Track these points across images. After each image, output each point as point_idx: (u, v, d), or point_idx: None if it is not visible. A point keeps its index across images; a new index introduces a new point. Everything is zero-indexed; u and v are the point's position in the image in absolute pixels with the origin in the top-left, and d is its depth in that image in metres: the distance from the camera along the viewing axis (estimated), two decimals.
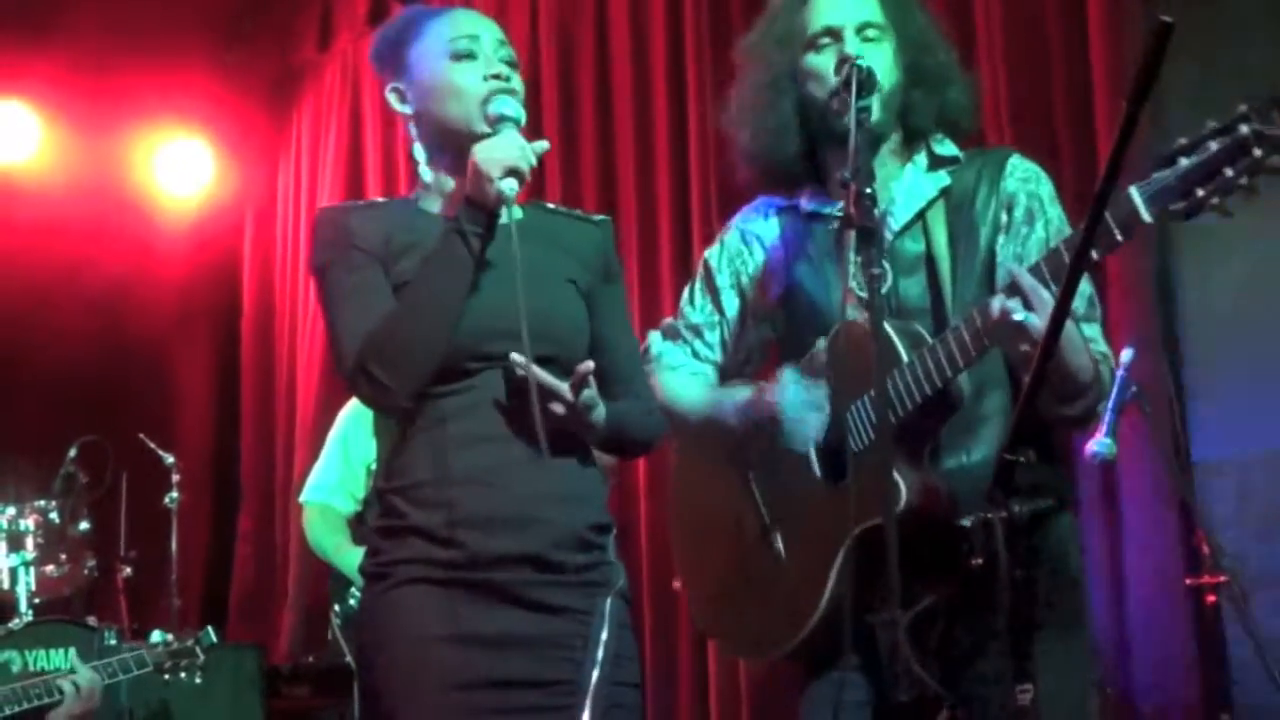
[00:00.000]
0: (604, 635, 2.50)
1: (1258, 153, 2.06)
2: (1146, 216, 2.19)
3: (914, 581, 2.47)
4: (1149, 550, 4.30)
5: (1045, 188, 2.70)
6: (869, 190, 2.34)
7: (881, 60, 2.68)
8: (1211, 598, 3.99)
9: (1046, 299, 2.30)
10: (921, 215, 2.71)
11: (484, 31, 2.65)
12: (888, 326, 2.53)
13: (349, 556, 4.74)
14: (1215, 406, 4.38)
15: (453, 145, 2.60)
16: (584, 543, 2.54)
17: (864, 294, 2.38)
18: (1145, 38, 1.72)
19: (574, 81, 6.19)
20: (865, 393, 2.56)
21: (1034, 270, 2.37)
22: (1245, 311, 4.32)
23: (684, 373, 2.95)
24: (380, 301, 2.51)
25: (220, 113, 7.80)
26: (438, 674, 2.43)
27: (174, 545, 5.99)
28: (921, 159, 2.76)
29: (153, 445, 5.92)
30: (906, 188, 2.73)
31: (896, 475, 2.47)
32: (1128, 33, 4.40)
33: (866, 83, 2.55)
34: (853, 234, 2.34)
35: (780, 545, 2.74)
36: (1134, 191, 2.20)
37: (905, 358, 2.51)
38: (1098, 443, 3.76)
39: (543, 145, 2.55)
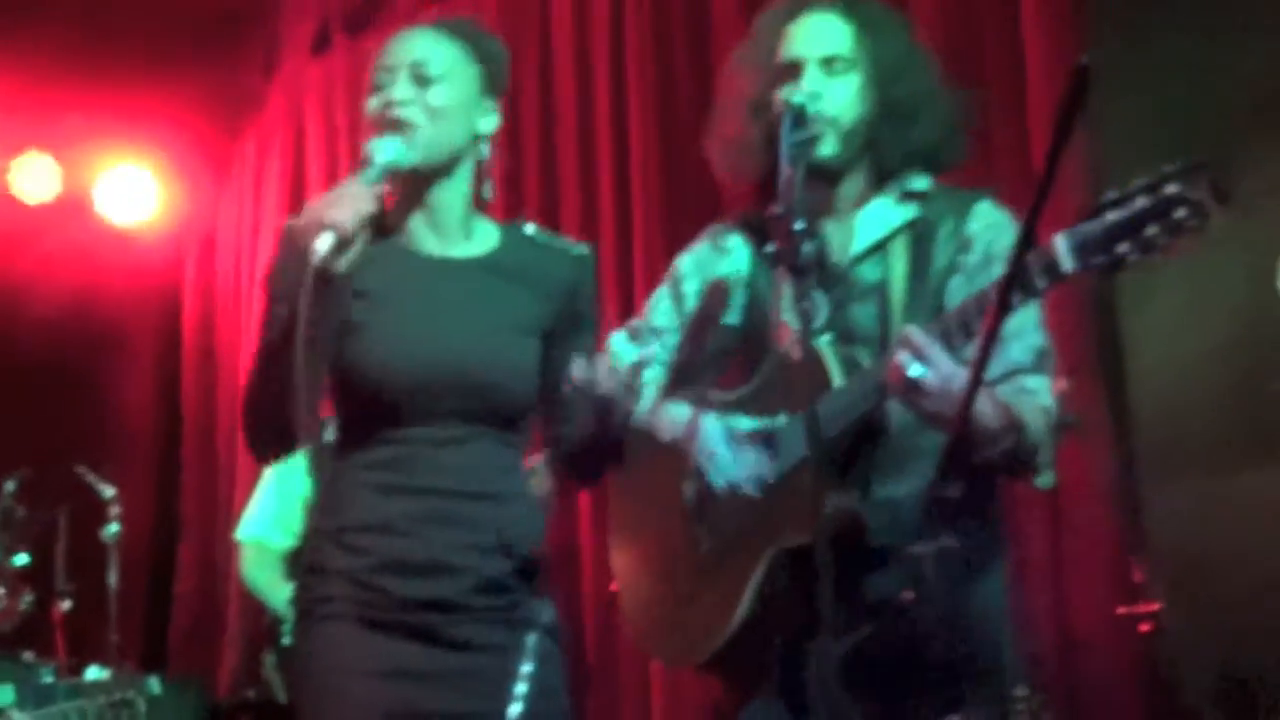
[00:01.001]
0: (525, 668, 2.52)
1: (1179, 214, 2.10)
2: (1069, 266, 2.22)
3: (848, 607, 2.50)
4: (1088, 578, 4.34)
5: (1008, 236, 2.69)
6: (799, 226, 2.37)
7: (843, 94, 2.71)
8: (1144, 626, 4.03)
9: (938, 353, 2.33)
10: (883, 244, 2.73)
11: (400, 58, 2.58)
12: (825, 351, 2.56)
13: (283, 593, 4.74)
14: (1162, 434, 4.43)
15: (388, 176, 2.54)
16: (502, 587, 2.55)
17: (797, 326, 2.41)
18: (1066, 79, 1.77)
19: (517, 108, 6.21)
20: (796, 413, 2.59)
21: (939, 321, 2.40)
22: (1183, 340, 4.38)
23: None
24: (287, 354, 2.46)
25: (164, 139, 7.78)
26: (360, 706, 2.45)
27: (113, 579, 5.94)
28: (893, 190, 2.78)
29: (92, 478, 5.88)
30: (872, 216, 2.75)
31: (819, 497, 2.49)
32: (1065, 64, 4.45)
33: (800, 121, 2.58)
34: (785, 269, 2.37)
35: (706, 553, 2.76)
36: (1059, 240, 2.23)
37: (837, 382, 2.53)
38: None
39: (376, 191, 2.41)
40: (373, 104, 2.54)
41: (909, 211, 2.75)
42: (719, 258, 2.93)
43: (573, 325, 2.64)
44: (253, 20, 7.61)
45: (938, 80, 2.83)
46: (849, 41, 2.76)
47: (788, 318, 2.61)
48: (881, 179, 2.78)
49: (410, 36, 2.64)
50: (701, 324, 2.92)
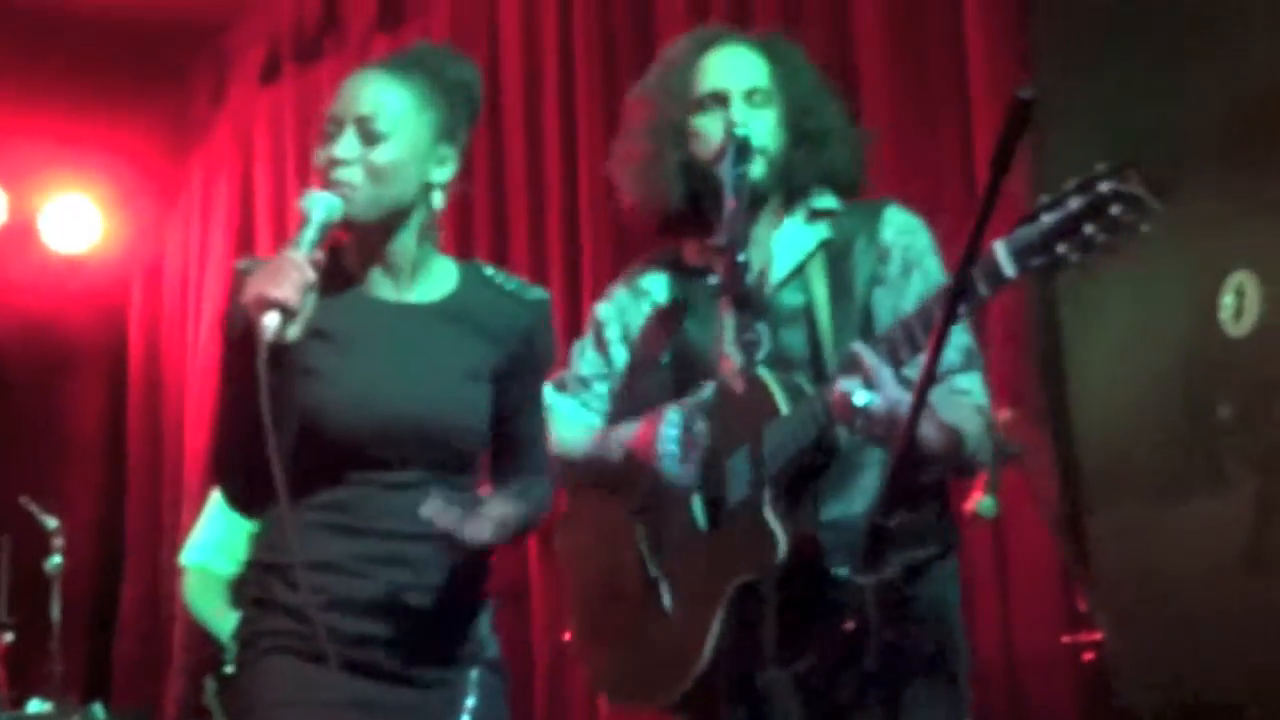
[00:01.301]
0: (469, 702, 2.51)
1: (1114, 210, 2.12)
2: (1010, 272, 2.24)
3: (796, 636, 2.50)
4: (1034, 608, 4.35)
5: (923, 238, 2.74)
6: (742, 259, 2.37)
7: (765, 125, 2.74)
8: (1088, 655, 4.05)
9: (887, 376, 2.34)
10: (801, 268, 2.75)
11: (348, 109, 2.50)
12: (768, 379, 2.56)
13: (226, 620, 4.71)
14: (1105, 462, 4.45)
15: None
16: (448, 628, 2.54)
17: (740, 360, 2.41)
18: (1007, 111, 1.78)
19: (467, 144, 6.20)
20: (745, 444, 2.59)
21: (885, 336, 2.41)
22: (1127, 368, 4.41)
23: (573, 422, 2.97)
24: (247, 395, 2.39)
25: (110, 167, 7.75)
26: None
27: (56, 610, 5.89)
28: (800, 213, 2.81)
29: (34, 508, 5.83)
30: (786, 241, 2.77)
31: (774, 527, 2.50)
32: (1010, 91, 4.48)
33: (744, 152, 2.60)
34: (727, 300, 2.37)
35: (665, 594, 2.75)
36: (998, 247, 2.25)
37: (784, 410, 2.54)
38: (978, 503, 3.82)
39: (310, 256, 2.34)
40: (318, 157, 2.49)
41: (821, 231, 2.77)
42: (638, 301, 2.94)
43: (525, 369, 2.62)
44: (201, 48, 7.60)
45: (844, 114, 2.87)
46: (766, 75, 2.79)
47: (730, 350, 2.61)
48: (789, 201, 2.81)
49: (362, 84, 2.54)
50: (634, 363, 2.92)
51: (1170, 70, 4.34)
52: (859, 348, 2.39)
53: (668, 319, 2.88)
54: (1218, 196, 4.15)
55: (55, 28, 7.02)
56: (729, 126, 2.68)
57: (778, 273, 2.75)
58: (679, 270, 2.90)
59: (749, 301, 2.37)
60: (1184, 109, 4.31)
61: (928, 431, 2.42)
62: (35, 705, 4.70)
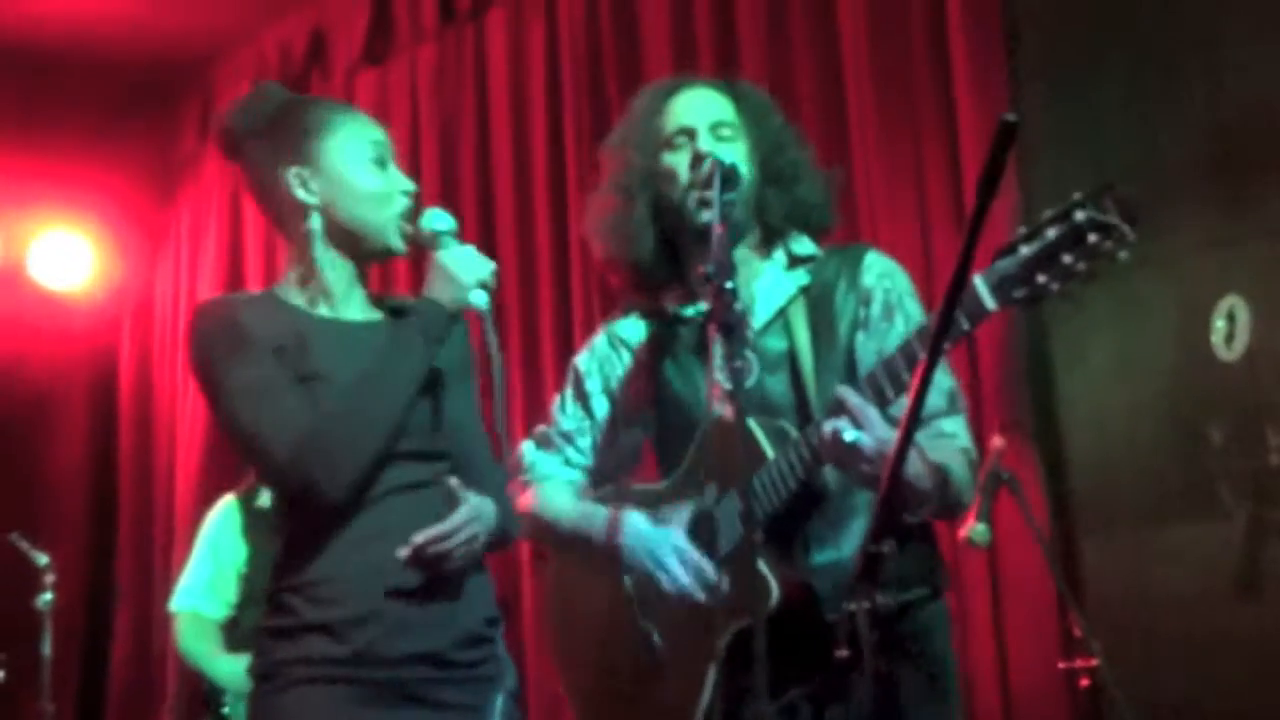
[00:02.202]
0: None
1: (1093, 239, 2.12)
2: (991, 305, 2.23)
3: (786, 673, 2.48)
4: (1028, 634, 4.34)
5: (902, 281, 2.75)
6: (730, 285, 2.37)
7: (735, 155, 2.73)
8: (1084, 681, 4.03)
9: (874, 416, 2.33)
10: (783, 313, 2.75)
11: (388, 139, 2.69)
12: (753, 425, 2.55)
13: (221, 664, 4.68)
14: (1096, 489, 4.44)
15: (355, 247, 2.64)
16: (478, 638, 2.57)
17: (729, 386, 2.40)
18: (992, 134, 1.77)
19: (455, 174, 6.21)
20: (731, 492, 2.58)
21: (870, 377, 2.40)
22: (1117, 395, 4.40)
23: (556, 481, 2.96)
24: (292, 397, 2.47)
25: (98, 203, 7.74)
26: None
27: (47, 648, 5.85)
28: (780, 257, 2.80)
29: (24, 545, 5.80)
30: (767, 287, 2.77)
31: (766, 572, 2.48)
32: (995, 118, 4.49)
33: (731, 177, 2.59)
34: (715, 328, 2.37)
35: (656, 644, 2.74)
36: (978, 280, 2.24)
37: (770, 455, 2.53)
38: (971, 529, 3.80)
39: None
40: (396, 180, 2.69)
41: (800, 277, 2.78)
42: (617, 350, 2.94)
43: (466, 371, 2.75)
44: (188, 85, 7.60)
45: (810, 155, 2.89)
46: (732, 112, 2.81)
47: (720, 378, 2.60)
48: (767, 243, 2.80)
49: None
50: (612, 414, 2.92)
51: (1157, 97, 4.35)
52: (844, 390, 2.39)
53: (648, 370, 2.88)
54: (1207, 222, 4.16)
55: (43, 66, 7.03)
56: (702, 155, 2.69)
57: (759, 318, 2.74)
58: (657, 317, 2.89)
59: (736, 328, 2.36)
60: (1171, 135, 4.32)
61: (916, 470, 2.42)
62: None
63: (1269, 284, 4.08)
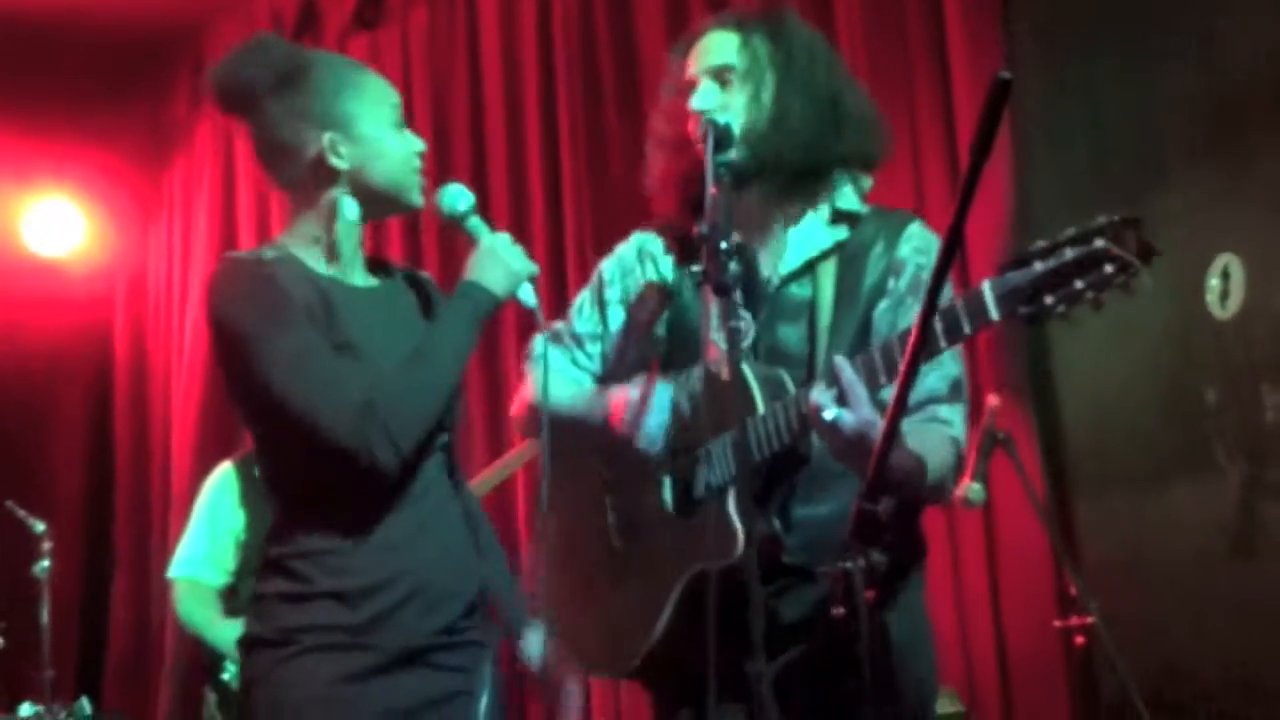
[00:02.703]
0: (485, 695, 2.56)
1: (1107, 269, 2.08)
2: (994, 315, 2.21)
3: (784, 629, 2.49)
4: (1023, 593, 4.36)
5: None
6: (725, 245, 2.35)
7: (734, 101, 2.68)
8: (1080, 639, 4.05)
9: (861, 395, 2.32)
10: (812, 265, 2.72)
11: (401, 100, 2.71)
12: (749, 374, 2.54)
13: (221, 630, 4.67)
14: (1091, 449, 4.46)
15: (379, 209, 2.66)
16: (473, 607, 2.60)
17: (725, 346, 2.39)
18: (987, 92, 1.76)
19: (448, 139, 6.20)
20: (719, 436, 2.57)
21: (867, 357, 2.39)
22: (1112, 356, 4.40)
23: (561, 376, 2.94)
24: (338, 362, 2.46)
25: (91, 172, 7.73)
26: None
27: (45, 615, 5.86)
28: (824, 210, 2.76)
29: (22, 513, 5.80)
30: (802, 236, 2.74)
31: (735, 524, 2.49)
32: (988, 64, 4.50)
33: (723, 138, 2.57)
34: (712, 288, 2.36)
35: (627, 568, 2.75)
36: (986, 288, 2.22)
37: (761, 409, 2.52)
38: (967, 488, 3.81)
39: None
40: (414, 141, 2.71)
41: (839, 234, 2.72)
42: (642, 265, 2.92)
43: None
44: (179, 53, 7.57)
45: (843, 77, 2.80)
46: (734, 50, 2.74)
47: (716, 338, 2.59)
48: (795, 187, 2.75)
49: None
50: (630, 327, 2.90)
51: (1152, 56, 4.35)
52: (839, 363, 2.36)
53: (662, 291, 2.86)
54: (1201, 182, 4.15)
55: (34, 35, 7.00)
56: (700, 115, 2.66)
57: (787, 264, 2.72)
58: (685, 243, 2.84)
59: (732, 289, 2.34)
60: (1166, 96, 4.32)
61: (894, 460, 2.39)
62: (26, 709, 4.68)
63: (1263, 242, 4.07)
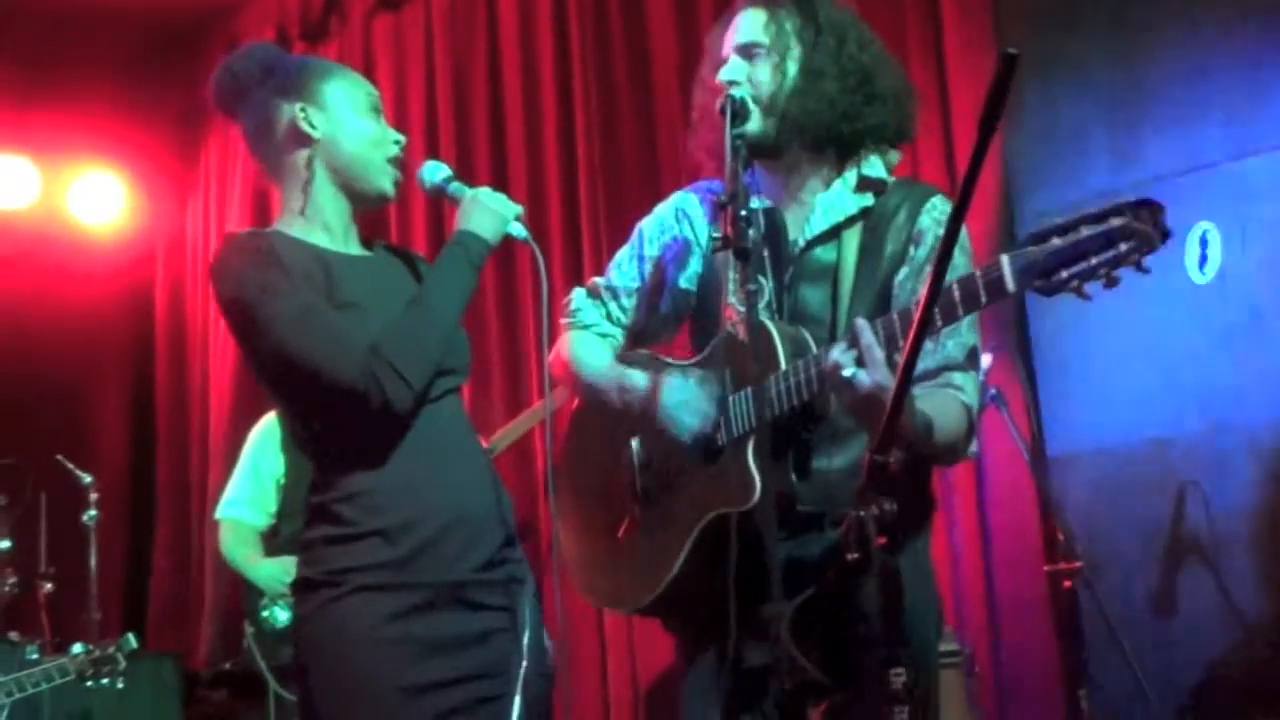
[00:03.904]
0: (527, 632, 2.56)
1: (1123, 247, 2.06)
2: (1011, 287, 2.19)
3: (786, 575, 2.49)
4: (1011, 540, 4.36)
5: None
6: (744, 213, 2.34)
7: (760, 75, 2.67)
8: (1067, 583, 4.06)
9: (878, 357, 2.31)
10: (837, 230, 2.70)
11: (380, 96, 2.73)
12: (773, 329, 2.54)
13: (260, 569, 4.72)
14: (1066, 406, 4.45)
15: (350, 187, 2.65)
16: (509, 539, 2.61)
17: (743, 309, 2.39)
18: (994, 68, 1.74)
19: (468, 112, 6.18)
20: (742, 389, 2.56)
21: (887, 321, 2.38)
22: (1086, 318, 4.40)
23: (593, 333, 2.93)
24: (340, 321, 2.48)
25: (130, 147, 7.72)
26: (390, 675, 2.44)
27: (93, 561, 5.87)
28: (851, 177, 2.74)
29: (70, 466, 5.81)
30: (829, 201, 2.72)
31: (754, 473, 2.49)
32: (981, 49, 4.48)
33: (739, 111, 2.56)
34: (731, 254, 2.35)
35: (648, 511, 2.74)
36: (1004, 260, 2.21)
37: (783, 365, 2.51)
38: None
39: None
40: (390, 133, 2.71)
41: (864, 200, 2.70)
42: (679, 225, 2.90)
43: None
44: (213, 33, 7.54)
45: (870, 49, 2.76)
46: (761, 27, 2.72)
47: (734, 300, 2.58)
48: (820, 154, 2.73)
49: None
50: (659, 281, 2.89)
51: (1138, 26, 4.33)
52: (860, 325, 2.35)
53: (693, 245, 2.85)
54: (1182, 148, 4.14)
55: (79, 15, 6.98)
56: (721, 88, 2.65)
57: (814, 227, 2.70)
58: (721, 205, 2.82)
59: (751, 255, 2.34)
60: (1151, 64, 4.30)
61: (902, 417, 2.38)
62: (77, 648, 4.70)
63: (1239, 209, 4.07)
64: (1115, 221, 2.06)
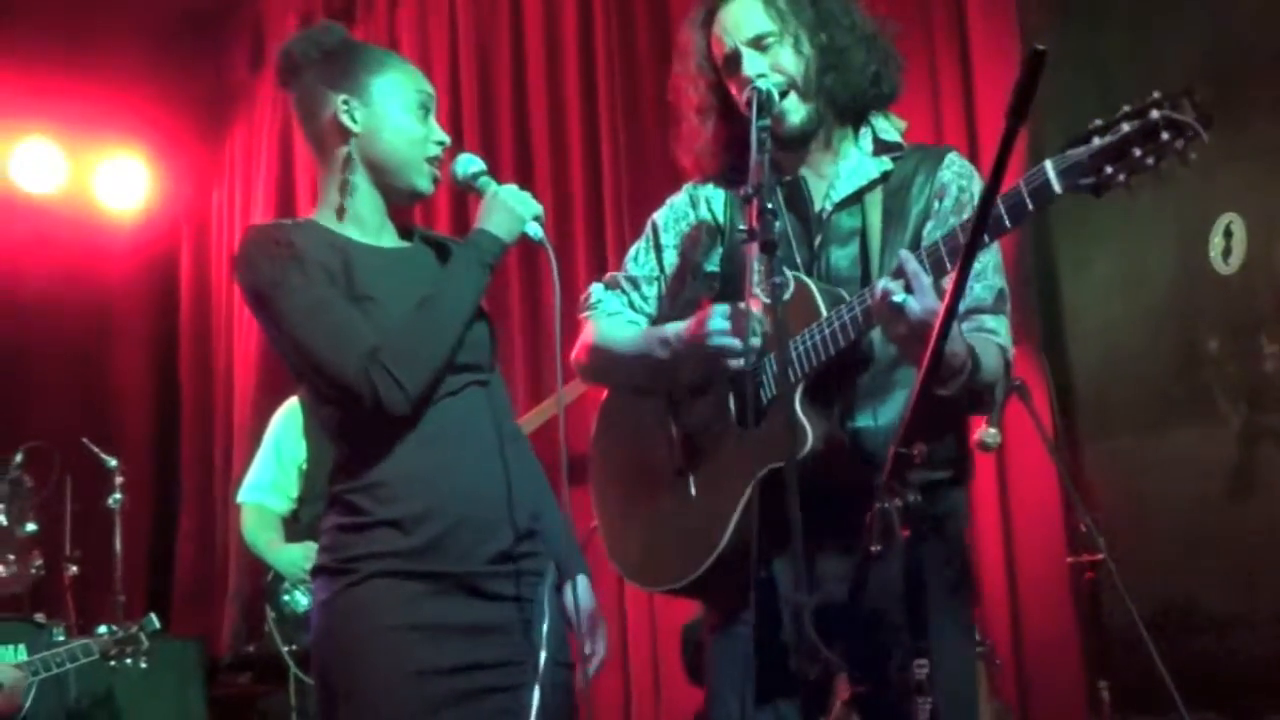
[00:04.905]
0: (546, 620, 2.56)
1: (1165, 136, 2.08)
2: (1057, 188, 2.20)
3: (817, 550, 2.48)
4: (1034, 532, 4.36)
5: (977, 184, 2.67)
6: (770, 205, 2.35)
7: (783, 61, 2.67)
8: (1090, 574, 4.06)
9: (926, 283, 2.32)
10: (859, 195, 2.71)
11: (434, 94, 2.71)
12: (813, 287, 2.55)
13: (281, 553, 4.75)
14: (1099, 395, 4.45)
15: (385, 182, 2.65)
16: (529, 532, 2.60)
17: (768, 300, 2.39)
18: (1023, 62, 1.75)
19: (492, 99, 6.18)
20: (784, 343, 2.56)
21: (931, 248, 2.39)
22: (1119, 306, 4.40)
23: (619, 319, 2.94)
24: (353, 313, 2.50)
25: (156, 131, 7.75)
26: (402, 661, 2.45)
27: (118, 544, 5.91)
28: (866, 142, 2.75)
29: (95, 449, 5.85)
30: (851, 167, 2.73)
31: (805, 421, 2.48)
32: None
33: (763, 105, 2.57)
34: (755, 246, 2.35)
35: (691, 483, 2.73)
36: (1048, 165, 2.22)
37: (824, 313, 2.52)
38: (983, 432, 3.81)
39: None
40: (434, 131, 2.69)
41: (883, 164, 2.72)
42: (696, 210, 2.91)
43: None
44: (238, 19, 7.57)
45: (858, 16, 2.77)
46: (763, 15, 2.71)
47: (758, 291, 2.58)
48: (842, 122, 2.75)
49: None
50: (683, 267, 2.89)
51: (1158, 19, 4.31)
52: (905, 255, 2.36)
53: (720, 233, 2.85)
54: (1205, 145, 4.13)
55: (106, 2, 7.01)
56: (746, 82, 2.65)
57: (839, 192, 2.71)
58: (733, 183, 2.82)
59: (775, 247, 2.34)
60: (1172, 57, 4.29)
61: (955, 348, 2.39)
62: (103, 630, 4.74)
63: (1264, 201, 4.06)
64: (1155, 114, 2.08)
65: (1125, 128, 2.11)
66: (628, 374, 2.86)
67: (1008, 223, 2.28)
